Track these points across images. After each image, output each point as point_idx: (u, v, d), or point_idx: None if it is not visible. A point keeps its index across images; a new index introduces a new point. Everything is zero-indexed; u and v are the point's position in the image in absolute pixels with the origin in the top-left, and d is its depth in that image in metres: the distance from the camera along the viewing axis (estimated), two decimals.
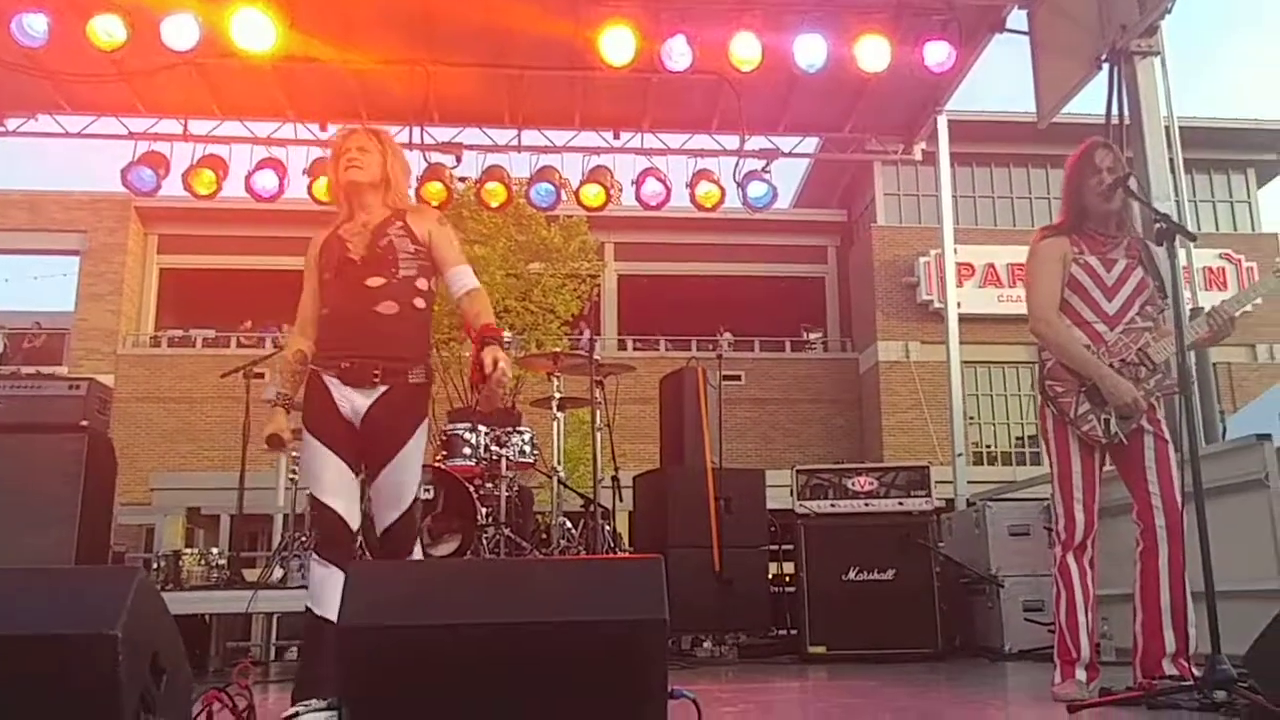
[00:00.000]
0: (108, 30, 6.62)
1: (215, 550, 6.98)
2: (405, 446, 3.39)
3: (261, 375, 7.41)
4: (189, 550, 6.95)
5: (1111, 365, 3.75)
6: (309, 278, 3.61)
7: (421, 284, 3.50)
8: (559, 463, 6.97)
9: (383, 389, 3.39)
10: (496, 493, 6.54)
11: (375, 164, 3.57)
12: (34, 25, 6.65)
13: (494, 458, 6.53)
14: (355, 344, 3.40)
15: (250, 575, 6.91)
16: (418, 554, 3.58)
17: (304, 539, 6.67)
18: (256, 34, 6.78)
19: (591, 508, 6.73)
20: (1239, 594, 4.18)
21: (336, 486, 3.37)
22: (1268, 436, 4.59)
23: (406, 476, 3.42)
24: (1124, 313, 3.82)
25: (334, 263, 3.48)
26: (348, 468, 3.39)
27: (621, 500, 7.16)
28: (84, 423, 6.00)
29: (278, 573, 6.63)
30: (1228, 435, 5.91)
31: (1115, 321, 3.81)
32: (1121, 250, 3.89)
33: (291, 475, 7.36)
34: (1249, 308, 3.93)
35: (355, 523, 3.41)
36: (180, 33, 6.67)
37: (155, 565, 6.83)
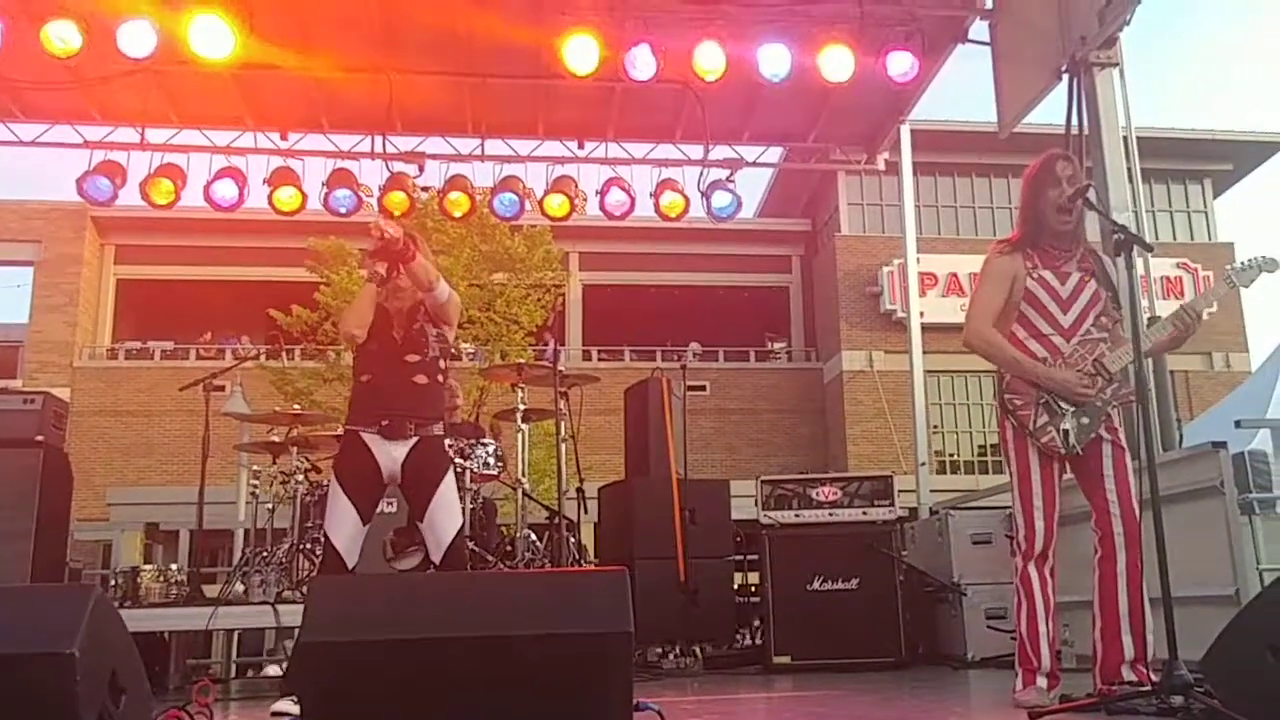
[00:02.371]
0: (62, 37, 6.51)
1: (174, 566, 6.86)
2: (440, 487, 4.23)
3: (221, 388, 7.33)
4: (147, 566, 6.83)
5: None
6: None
7: (441, 364, 4.38)
8: (523, 475, 6.94)
9: (414, 440, 4.22)
10: (460, 505, 6.48)
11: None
12: None
13: (458, 470, 6.48)
14: (394, 406, 4.22)
15: (210, 591, 6.81)
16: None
17: (265, 554, 6.60)
18: (215, 41, 6.69)
19: (556, 520, 6.70)
20: (1195, 600, 4.23)
21: (345, 531, 4.14)
22: (1224, 444, 4.66)
23: (448, 509, 4.25)
24: (1079, 324, 3.87)
25: (380, 337, 4.28)
26: (359, 519, 4.16)
27: (586, 512, 7.12)
28: (39, 437, 5.91)
29: (238, 588, 6.54)
30: (1184, 443, 5.98)
31: (1071, 333, 3.86)
32: (1075, 263, 3.93)
33: (252, 490, 7.27)
34: (1206, 314, 3.98)
35: (353, 561, 4.15)
36: (137, 39, 6.57)
37: (113, 582, 6.74)
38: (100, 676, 2.56)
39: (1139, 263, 5.14)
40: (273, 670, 6.67)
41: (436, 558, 4.24)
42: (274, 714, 3.81)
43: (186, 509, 7.56)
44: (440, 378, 4.38)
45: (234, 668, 7.23)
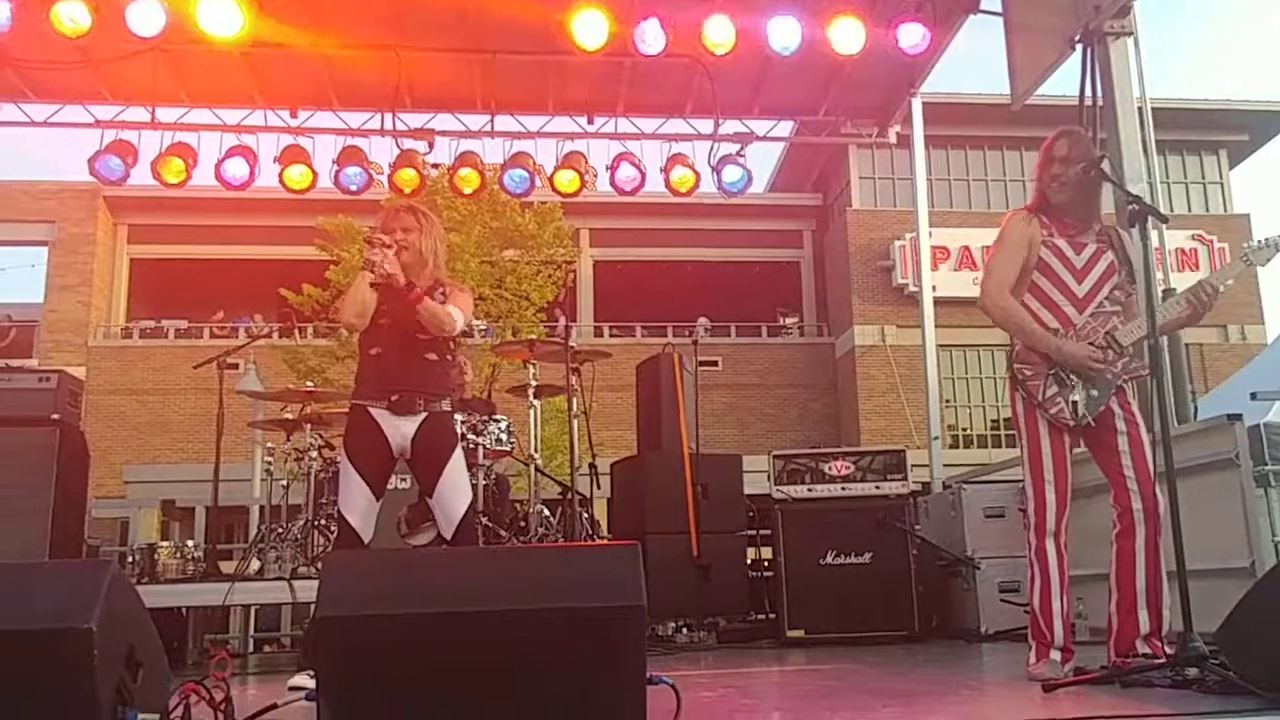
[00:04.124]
0: (72, 16, 6.51)
1: (191, 543, 6.93)
2: (449, 464, 4.22)
3: (235, 366, 7.36)
4: (165, 543, 6.90)
5: None
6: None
7: (451, 342, 4.37)
8: (536, 450, 6.95)
9: (423, 415, 4.20)
10: (474, 481, 6.49)
11: (417, 243, 4.29)
12: None
13: (471, 446, 6.50)
14: (404, 381, 4.19)
15: (227, 567, 6.87)
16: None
17: (280, 530, 6.65)
18: (224, 19, 6.69)
19: (569, 495, 6.72)
20: (1210, 572, 4.22)
21: (359, 507, 4.13)
22: (1239, 416, 4.64)
23: (457, 486, 4.24)
24: (1093, 296, 3.85)
25: (393, 312, 4.18)
26: (372, 495, 4.16)
27: (599, 488, 7.15)
28: (55, 415, 5.94)
29: (254, 564, 6.59)
30: (1199, 415, 5.95)
31: (1084, 305, 3.84)
32: (1091, 235, 3.92)
33: (266, 466, 7.31)
34: (1221, 289, 3.94)
35: (368, 536, 4.15)
36: (146, 18, 6.57)
37: (130, 558, 6.80)
38: (118, 651, 2.59)
39: (1154, 235, 5.10)
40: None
41: (447, 534, 4.23)
42: (291, 688, 3.83)
43: (202, 486, 7.61)
44: (450, 355, 4.36)
45: (251, 643, 7.31)
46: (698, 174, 8.53)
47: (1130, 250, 3.91)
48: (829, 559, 6.29)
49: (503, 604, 2.57)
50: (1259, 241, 3.82)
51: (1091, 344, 3.78)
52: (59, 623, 2.46)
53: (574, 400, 6.70)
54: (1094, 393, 3.77)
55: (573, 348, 6.69)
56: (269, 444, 7.52)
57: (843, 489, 6.44)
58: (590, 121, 8.63)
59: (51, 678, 2.47)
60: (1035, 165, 4.01)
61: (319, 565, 5.80)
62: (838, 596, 6.17)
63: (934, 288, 9.06)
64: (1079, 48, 6.11)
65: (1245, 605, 3.00)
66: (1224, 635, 3.03)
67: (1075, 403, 3.76)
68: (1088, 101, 6.02)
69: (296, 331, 17.54)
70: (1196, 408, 6.43)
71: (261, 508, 7.55)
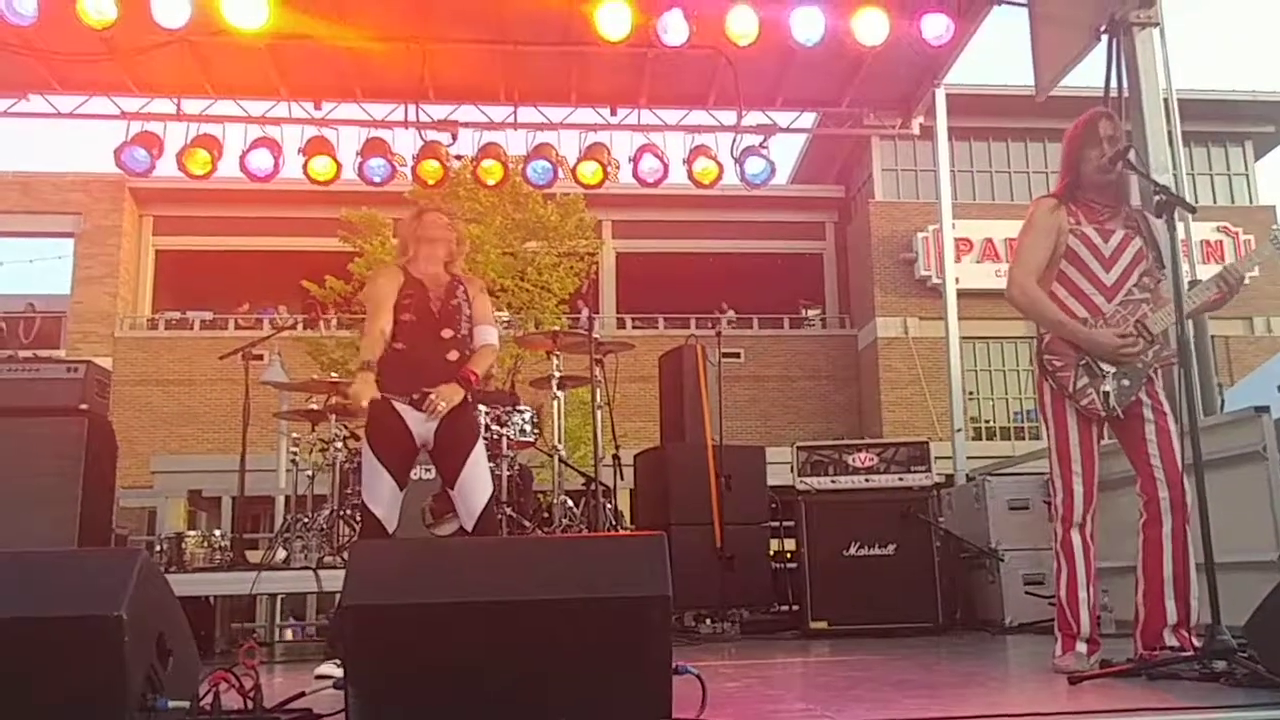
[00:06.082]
0: (98, 8, 6.56)
1: (218, 532, 7.00)
2: (470, 456, 4.33)
3: (260, 357, 7.41)
4: (192, 532, 6.97)
5: None
6: (381, 312, 4.33)
7: (470, 340, 4.45)
8: (560, 441, 6.97)
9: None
10: (497, 472, 6.52)
11: (455, 239, 4.56)
12: (23, 4, 6.59)
13: (494, 437, 6.53)
14: (427, 380, 4.26)
15: (253, 557, 6.93)
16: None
17: (305, 520, 6.69)
18: (248, 11, 6.74)
19: (593, 486, 6.73)
20: (1238, 565, 4.19)
21: (384, 498, 4.24)
22: (1266, 409, 4.60)
23: (479, 477, 4.34)
24: (1121, 284, 3.81)
25: (417, 308, 4.34)
26: (396, 485, 4.26)
27: (623, 479, 7.16)
28: (83, 405, 5.99)
29: (280, 554, 6.64)
30: (1226, 408, 5.90)
31: (1113, 293, 3.80)
32: (1120, 221, 3.88)
33: (292, 457, 7.36)
34: (1246, 279, 3.91)
35: (392, 526, 4.26)
36: (171, 10, 6.62)
37: (158, 547, 6.86)
38: (148, 639, 2.61)
39: (1180, 226, 5.06)
40: None
41: (469, 525, 4.31)
42: (318, 676, 3.87)
43: (228, 476, 7.68)
44: (469, 352, 4.44)
45: (278, 631, 7.36)
46: (720, 166, 8.52)
47: (1158, 235, 3.86)
48: (852, 550, 6.28)
49: (529, 594, 2.58)
50: None
51: (1121, 333, 3.75)
52: (90, 609, 2.49)
53: (597, 391, 6.71)
54: (1125, 382, 3.74)
55: (596, 339, 6.69)
56: (294, 434, 7.57)
57: (866, 480, 6.44)
58: (613, 113, 8.62)
59: (83, 664, 2.50)
60: (1068, 146, 3.94)
61: (345, 555, 5.83)
62: (861, 588, 6.16)
63: (957, 280, 9.01)
64: (1104, 38, 6.05)
65: (1273, 598, 2.99)
66: (1252, 628, 3.02)
67: (1107, 393, 3.72)
68: (1113, 93, 5.97)
69: (321, 323, 17.63)
70: (1222, 400, 6.39)
71: (287, 498, 7.62)
